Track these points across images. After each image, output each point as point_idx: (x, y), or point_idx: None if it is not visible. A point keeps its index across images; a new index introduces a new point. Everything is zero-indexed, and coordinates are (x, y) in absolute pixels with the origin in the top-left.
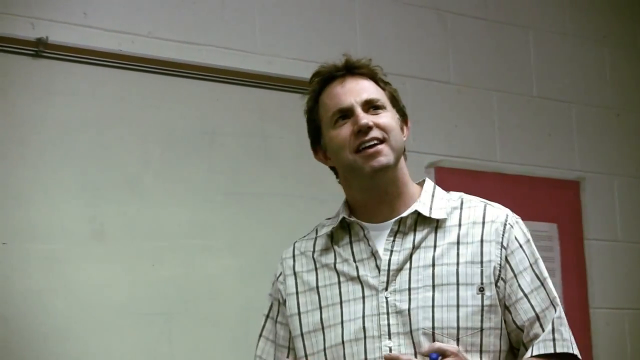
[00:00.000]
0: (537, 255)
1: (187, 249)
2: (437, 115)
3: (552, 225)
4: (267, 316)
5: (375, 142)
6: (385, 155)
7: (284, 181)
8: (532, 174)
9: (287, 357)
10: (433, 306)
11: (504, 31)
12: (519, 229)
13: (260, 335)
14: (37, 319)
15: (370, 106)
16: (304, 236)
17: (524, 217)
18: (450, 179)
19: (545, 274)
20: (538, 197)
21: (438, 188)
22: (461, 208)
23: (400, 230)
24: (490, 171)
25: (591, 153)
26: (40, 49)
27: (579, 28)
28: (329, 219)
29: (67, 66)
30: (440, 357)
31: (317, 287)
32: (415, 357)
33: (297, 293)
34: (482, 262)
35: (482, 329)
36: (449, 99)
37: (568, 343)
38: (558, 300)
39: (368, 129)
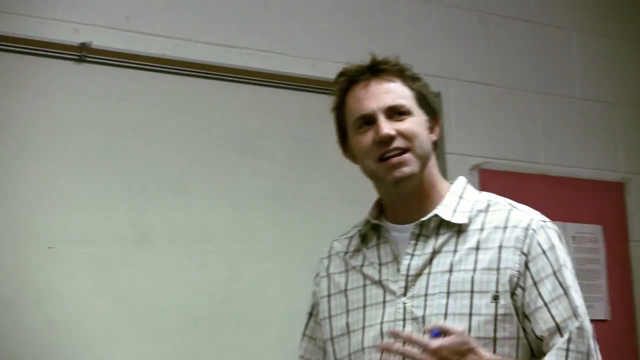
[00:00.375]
0: (563, 262)
1: (231, 252)
2: (480, 118)
3: (596, 227)
4: (311, 314)
5: (399, 151)
6: (409, 165)
7: (328, 184)
8: (576, 176)
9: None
10: (446, 314)
11: (547, 33)
12: (544, 234)
13: (304, 335)
14: (83, 322)
15: (394, 112)
16: (343, 234)
17: (569, 219)
18: (494, 181)
19: (570, 282)
20: (582, 199)
21: (469, 188)
22: (487, 211)
23: (423, 233)
24: (534, 173)
25: (635, 154)
26: (83, 53)
27: (622, 29)
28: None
29: (110, 71)
30: (442, 335)
31: (346, 290)
32: None
33: (329, 296)
34: (498, 269)
35: (495, 339)
36: (492, 101)
37: (583, 356)
38: (582, 310)
39: (390, 139)
